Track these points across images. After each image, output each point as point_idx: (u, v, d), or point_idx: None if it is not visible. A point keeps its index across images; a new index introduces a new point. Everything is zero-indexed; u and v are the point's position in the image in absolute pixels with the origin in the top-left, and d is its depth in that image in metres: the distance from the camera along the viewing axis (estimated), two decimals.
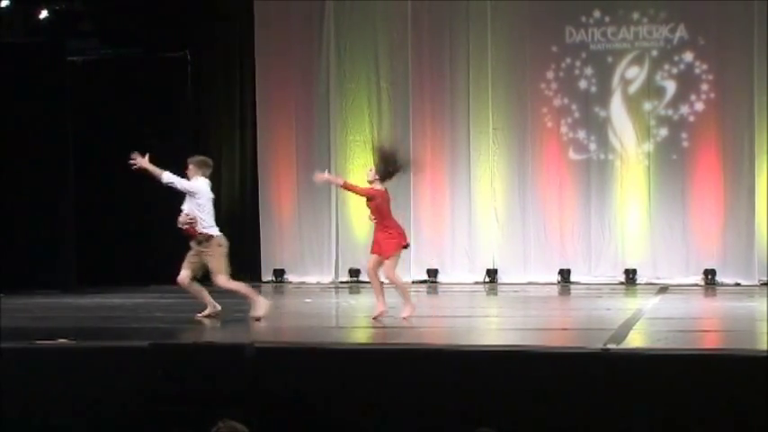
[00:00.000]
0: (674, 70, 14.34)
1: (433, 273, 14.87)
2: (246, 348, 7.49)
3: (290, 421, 7.27)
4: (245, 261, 15.19)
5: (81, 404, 7.56)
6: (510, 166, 14.78)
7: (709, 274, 14.08)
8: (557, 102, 14.66)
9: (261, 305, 9.99)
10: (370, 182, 10.23)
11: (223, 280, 9.94)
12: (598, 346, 7.88)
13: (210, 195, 10.20)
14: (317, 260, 15.21)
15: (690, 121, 14.30)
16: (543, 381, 7.15)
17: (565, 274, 14.49)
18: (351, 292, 14.23)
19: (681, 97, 14.30)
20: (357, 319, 11.41)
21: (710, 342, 9.32)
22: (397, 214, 14.77)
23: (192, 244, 10.03)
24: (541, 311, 11.78)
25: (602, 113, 14.58)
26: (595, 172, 14.59)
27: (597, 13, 14.53)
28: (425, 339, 9.27)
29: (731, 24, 14.05)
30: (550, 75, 14.66)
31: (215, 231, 10.04)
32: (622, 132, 14.55)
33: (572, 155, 14.66)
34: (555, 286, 14.35)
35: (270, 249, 15.31)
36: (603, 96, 14.57)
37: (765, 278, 13.87)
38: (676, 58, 14.33)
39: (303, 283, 15.00)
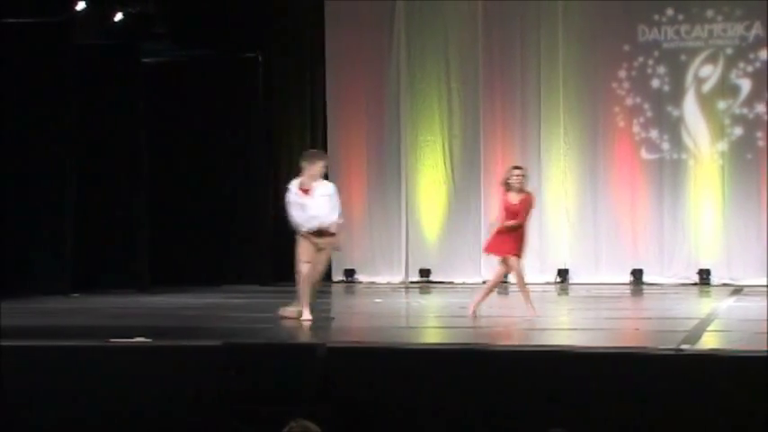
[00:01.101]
0: (750, 68, 14.15)
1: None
2: (318, 348, 7.54)
3: (361, 421, 7.30)
4: None
5: (154, 401, 7.65)
6: (581, 166, 14.70)
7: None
8: (629, 101, 14.54)
9: (300, 312, 9.87)
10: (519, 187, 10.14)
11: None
12: (672, 346, 7.82)
13: None
14: (388, 260, 15.25)
15: (765, 120, 14.10)
16: (616, 381, 7.11)
17: (637, 274, 14.36)
18: (421, 292, 14.24)
19: (756, 96, 14.11)
20: (427, 319, 11.42)
21: None
22: (469, 217, 14.93)
23: (315, 239, 9.91)
24: (613, 312, 11.69)
25: (675, 113, 14.43)
26: (668, 172, 14.45)
27: (670, 11, 14.39)
28: (497, 340, 9.25)
29: None
30: (622, 74, 14.54)
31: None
32: (696, 132, 14.39)
33: (644, 154, 14.53)
34: (627, 287, 14.23)
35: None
36: (676, 95, 14.42)
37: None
38: (752, 56, 14.14)
39: (373, 283, 15.05)
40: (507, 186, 10.21)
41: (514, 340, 9.29)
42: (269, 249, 14.56)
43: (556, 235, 14.75)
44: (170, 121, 14.88)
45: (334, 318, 10.47)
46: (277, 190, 15.23)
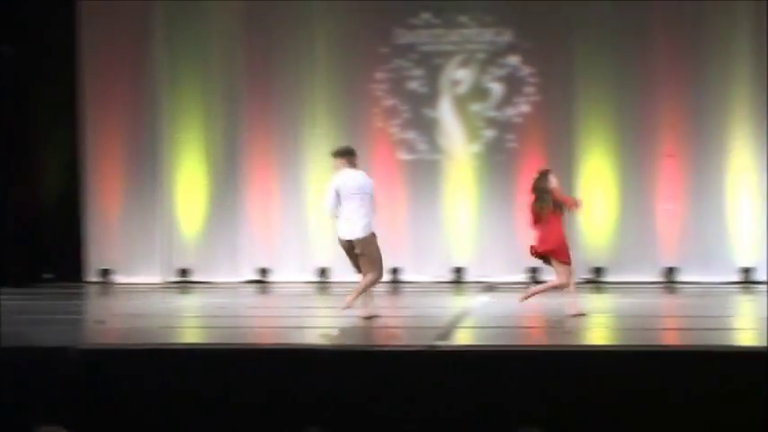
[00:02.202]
0: (501, 73, 14.66)
1: (264, 272, 14.83)
2: (69, 351, 7.32)
3: (113, 423, 7.13)
4: (69, 261, 14.91)
5: None
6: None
7: (533, 272, 14.43)
8: (386, 102, 14.80)
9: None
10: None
11: None
12: (426, 343, 8.00)
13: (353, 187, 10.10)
14: (146, 260, 14.97)
15: (516, 123, 14.64)
16: (373, 379, 7.20)
17: (395, 272, 14.61)
18: (180, 292, 14.05)
19: (507, 99, 14.63)
20: (185, 319, 11.25)
21: (535, 338, 9.56)
22: (228, 216, 14.85)
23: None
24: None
25: (432, 114, 14.79)
26: (424, 172, 14.78)
27: (426, 15, 14.74)
28: (259, 339, 9.22)
29: (553, 28, 14.44)
30: (380, 75, 14.79)
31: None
32: (451, 133, 14.79)
33: (402, 155, 14.83)
34: (385, 285, 14.43)
35: (96, 249, 14.99)
36: (432, 97, 14.78)
37: (587, 276, 14.30)
38: (502, 61, 14.65)
39: (131, 283, 14.73)
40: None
41: (272, 340, 9.27)
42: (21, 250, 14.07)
43: (317, 233, 14.83)
44: None
45: (104, 321, 10.16)
46: (32, 189, 14.79)
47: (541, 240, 10.37)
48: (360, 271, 10.08)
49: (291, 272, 14.85)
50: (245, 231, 14.88)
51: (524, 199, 14.23)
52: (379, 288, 14.10)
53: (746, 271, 14.15)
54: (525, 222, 10.69)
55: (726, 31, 14.22)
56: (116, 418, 7.14)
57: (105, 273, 14.93)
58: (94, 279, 14.85)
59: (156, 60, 14.90)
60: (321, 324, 10.85)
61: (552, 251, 10.27)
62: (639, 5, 14.27)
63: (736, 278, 14.15)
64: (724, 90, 14.26)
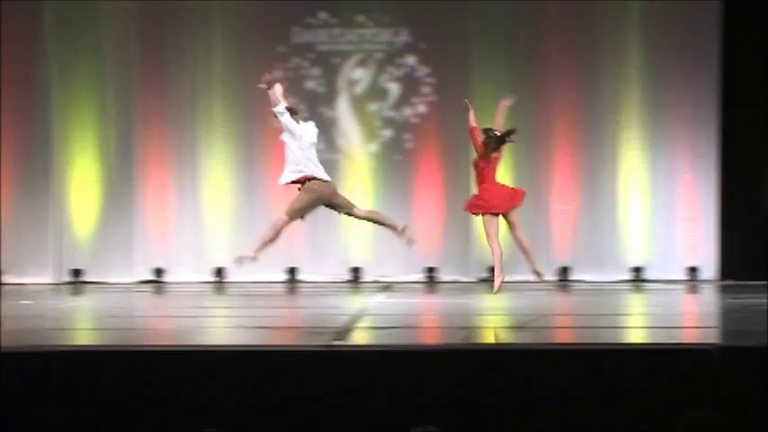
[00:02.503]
0: (398, 73, 14.73)
1: (159, 272, 14.67)
2: None
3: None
4: None
5: None
6: (238, 165, 14.78)
7: (430, 272, 14.55)
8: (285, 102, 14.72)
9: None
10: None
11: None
12: (323, 343, 7.99)
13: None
14: (37, 260, 14.69)
15: (413, 123, 14.73)
16: (271, 379, 7.17)
17: (291, 272, 14.59)
18: (73, 293, 13.83)
19: (404, 99, 14.72)
20: (78, 321, 11.06)
21: (432, 338, 9.63)
22: (123, 216, 14.65)
23: None
24: (268, 311, 11.82)
25: (330, 114, 14.79)
26: None
27: (323, 15, 14.74)
28: (154, 340, 9.12)
29: (450, 28, 14.58)
30: (278, 74, 14.71)
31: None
32: (349, 133, 14.82)
33: None
34: (282, 285, 14.44)
35: None
36: (330, 97, 14.79)
37: (483, 276, 14.46)
38: (399, 62, 14.72)
39: (22, 284, 14.44)
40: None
41: (168, 340, 9.18)
42: None
43: (213, 233, 14.74)
44: None
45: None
46: None
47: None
48: (348, 211, 10.13)
49: (187, 272, 14.72)
50: (140, 231, 14.71)
51: (422, 199, 14.45)
52: (276, 288, 14.17)
53: (637, 270, 14.45)
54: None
55: (618, 32, 14.50)
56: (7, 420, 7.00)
57: None
58: None
59: (47, 60, 14.63)
60: (217, 324, 10.78)
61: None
62: (535, 6, 14.48)
63: (627, 277, 14.44)
64: (616, 90, 14.54)
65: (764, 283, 13.82)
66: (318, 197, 10.56)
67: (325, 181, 10.64)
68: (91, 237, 14.78)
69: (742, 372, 6.94)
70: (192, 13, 14.67)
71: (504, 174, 14.57)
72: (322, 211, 14.70)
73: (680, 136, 14.55)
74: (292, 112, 10.68)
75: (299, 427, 7.06)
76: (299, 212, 10.37)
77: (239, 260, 10.78)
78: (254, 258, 10.52)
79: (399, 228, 10.61)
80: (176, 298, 13.45)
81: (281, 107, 10.40)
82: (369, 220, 11.02)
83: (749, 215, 14.58)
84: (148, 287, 14.36)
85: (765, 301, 11.65)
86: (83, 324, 10.81)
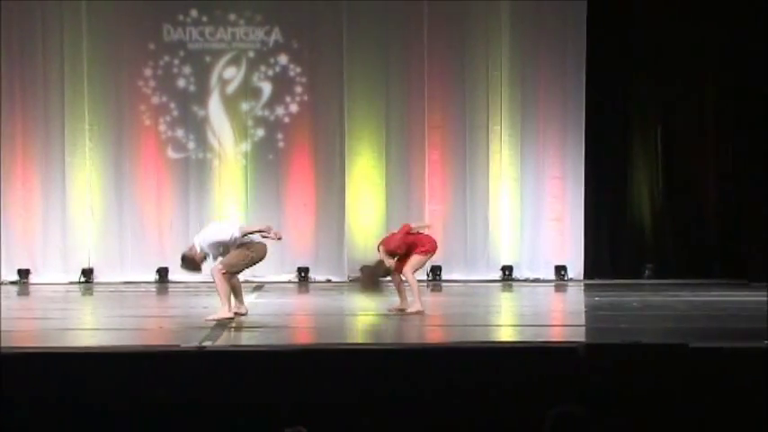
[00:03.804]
0: (270, 72, 14.67)
1: (24, 273, 14.33)
2: None
3: None
4: None
5: None
6: (107, 164, 14.54)
7: (303, 272, 14.53)
8: (155, 100, 14.58)
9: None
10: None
11: None
12: (194, 344, 7.93)
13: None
14: None
15: (285, 122, 14.69)
16: (125, 381, 7.07)
17: (162, 272, 14.42)
18: (19, 294, 13.46)
19: (276, 99, 14.67)
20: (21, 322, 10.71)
21: (304, 337, 9.64)
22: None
23: None
24: (138, 310, 11.65)
25: (201, 113, 14.66)
26: (194, 171, 14.66)
27: (194, 13, 14.60)
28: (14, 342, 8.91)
29: (322, 28, 14.61)
30: (148, 72, 14.55)
31: None
32: (221, 132, 14.71)
33: (171, 153, 14.64)
34: (153, 285, 14.26)
35: None
36: (202, 95, 14.65)
37: (355, 275, 14.51)
38: (272, 61, 14.67)
39: None
40: None
41: (34, 342, 8.99)
42: None
43: (80, 233, 14.48)
44: None
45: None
46: None
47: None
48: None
49: (54, 273, 14.41)
50: (3, 231, 14.33)
51: (294, 198, 14.45)
52: (147, 288, 13.99)
53: (507, 269, 14.67)
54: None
55: (488, 33, 14.69)
56: None
57: None
58: None
59: None
60: (86, 325, 10.60)
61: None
62: (407, 6, 14.59)
63: (497, 276, 14.65)
64: (487, 90, 14.73)
65: (629, 281, 14.21)
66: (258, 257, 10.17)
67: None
68: (27, 236, 14.37)
69: (607, 368, 7.11)
70: (59, 8, 14.38)
71: (377, 173, 14.74)
72: (193, 209, 14.62)
73: (549, 136, 14.81)
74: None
75: (168, 427, 6.99)
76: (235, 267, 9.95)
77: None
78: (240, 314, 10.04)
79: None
80: (42, 299, 13.15)
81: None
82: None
83: (614, 215, 14.94)
84: (13, 288, 14.00)
85: (630, 299, 11.98)
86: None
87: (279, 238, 10.03)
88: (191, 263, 9.94)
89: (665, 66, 14.57)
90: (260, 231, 9.91)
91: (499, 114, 14.77)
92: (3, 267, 14.28)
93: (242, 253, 9.72)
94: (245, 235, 9.74)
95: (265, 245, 9.98)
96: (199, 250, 9.82)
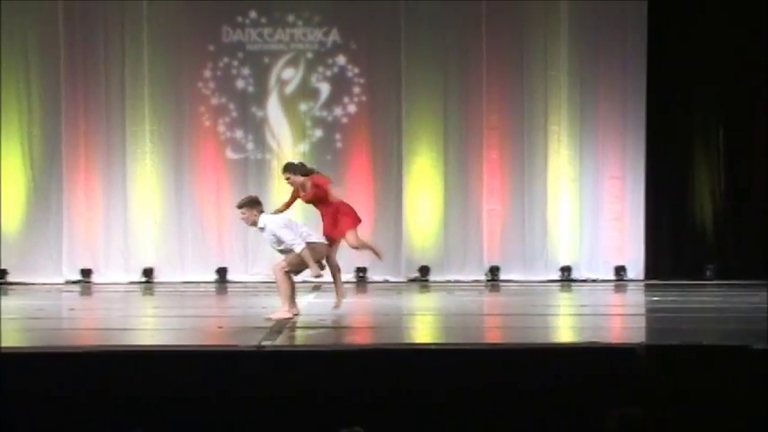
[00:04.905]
0: (328, 73, 14.71)
1: (86, 273, 14.50)
2: None
3: None
4: None
5: None
6: (167, 165, 14.66)
7: (361, 272, 14.55)
8: (214, 101, 14.68)
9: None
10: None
11: None
12: (254, 343, 7.97)
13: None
14: (45, 260, 14.42)
15: (343, 123, 14.73)
16: (200, 380, 7.13)
17: (221, 272, 14.52)
18: (81, 294, 13.62)
19: (334, 99, 14.70)
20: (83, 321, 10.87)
21: (361, 337, 9.64)
22: (50, 216, 14.45)
23: None
24: (197, 310, 11.75)
25: (260, 113, 14.74)
26: (253, 171, 14.73)
27: (253, 14, 14.68)
28: (80, 341, 9.02)
29: (380, 29, 14.62)
30: (208, 74, 14.66)
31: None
32: (279, 133, 14.78)
33: (230, 154, 14.73)
34: (212, 285, 14.36)
35: None
36: (260, 96, 14.73)
37: (413, 275, 14.52)
38: (330, 61, 14.71)
39: (29, 283, 14.15)
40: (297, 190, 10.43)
41: (96, 341, 9.10)
42: None
43: (141, 234, 14.62)
44: None
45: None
46: None
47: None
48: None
49: (116, 273, 14.56)
50: (66, 231, 14.52)
51: (352, 199, 14.45)
52: (206, 288, 14.09)
53: (565, 269, 14.59)
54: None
55: (547, 33, 14.62)
56: None
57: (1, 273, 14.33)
58: None
59: None
60: (146, 325, 10.70)
61: None
62: (465, 7, 14.55)
63: (555, 276, 14.57)
64: (546, 91, 14.66)
65: (689, 282, 14.06)
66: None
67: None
68: (17, 237, 14.56)
69: (666, 370, 7.04)
70: (120, 12, 14.52)
71: (434, 173, 14.73)
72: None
73: (608, 136, 14.71)
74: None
75: (228, 426, 7.03)
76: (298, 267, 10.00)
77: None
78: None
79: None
80: (103, 299, 13.30)
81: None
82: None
83: (675, 216, 14.79)
84: (76, 288, 14.18)
85: (690, 299, 11.86)
86: (5, 326, 10.63)
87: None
88: (246, 203, 10.06)
89: (727, 66, 14.39)
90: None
91: (558, 115, 14.70)
92: (66, 267, 14.47)
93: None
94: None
95: (326, 244, 10.03)
96: (261, 224, 9.87)
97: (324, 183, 10.49)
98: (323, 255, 10.03)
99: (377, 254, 10.83)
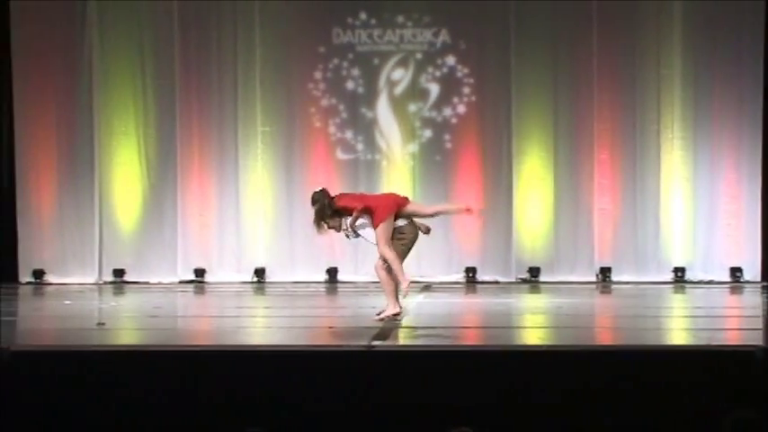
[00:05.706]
0: (438, 73, 14.70)
1: (200, 272, 14.73)
2: (2, 353, 7.22)
3: (41, 427, 7.04)
4: (1, 262, 14.66)
5: None
6: (278, 166, 14.82)
7: (470, 272, 14.51)
8: (324, 102, 14.79)
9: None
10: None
11: None
12: (364, 343, 8.00)
13: None
14: (80, 260, 14.79)
15: (452, 123, 14.70)
16: (312, 379, 7.18)
17: (332, 272, 14.62)
18: (114, 293, 13.91)
19: (443, 100, 14.69)
20: (120, 320, 11.13)
21: (471, 338, 9.61)
22: (165, 215, 14.73)
23: None
24: (308, 310, 11.84)
25: (369, 114, 14.80)
26: (363, 172, 14.80)
27: (363, 16, 14.75)
28: (193, 340, 9.16)
29: (489, 29, 14.55)
30: (318, 75, 14.77)
31: None
32: (389, 133, 14.82)
33: (340, 155, 14.82)
34: (322, 285, 14.46)
35: (29, 249, 14.78)
36: (370, 97, 14.79)
37: (523, 276, 14.42)
38: (439, 62, 14.70)
39: (64, 284, 14.55)
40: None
41: (209, 340, 9.22)
42: None
43: (253, 234, 14.80)
44: None
45: (104, 323, 9.96)
46: None
47: None
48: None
49: (228, 272, 14.76)
50: (181, 231, 14.77)
51: (462, 199, 14.42)
52: (317, 288, 14.20)
53: (679, 270, 14.34)
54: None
55: (660, 32, 14.40)
56: (43, 421, 7.05)
57: (38, 273, 14.72)
58: (27, 280, 14.64)
59: (90, 58, 14.73)
60: (258, 325, 10.81)
61: None
62: (576, 5, 14.41)
63: (669, 278, 14.33)
64: (658, 90, 14.44)
65: None
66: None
67: None
68: (132, 236, 14.87)
69: None
70: (233, 14, 14.73)
71: (545, 173, 14.61)
72: None
73: (723, 136, 14.43)
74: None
75: (338, 426, 7.06)
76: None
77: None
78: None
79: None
80: (217, 298, 13.49)
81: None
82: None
83: None
84: (189, 287, 14.42)
85: None
86: (124, 324, 10.86)
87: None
88: (319, 211, 9.89)
89: None
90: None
91: (671, 114, 14.46)
92: (180, 267, 14.72)
93: (394, 243, 9.72)
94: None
95: (415, 225, 9.92)
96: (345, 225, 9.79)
97: (350, 204, 10.02)
98: (413, 237, 9.83)
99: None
